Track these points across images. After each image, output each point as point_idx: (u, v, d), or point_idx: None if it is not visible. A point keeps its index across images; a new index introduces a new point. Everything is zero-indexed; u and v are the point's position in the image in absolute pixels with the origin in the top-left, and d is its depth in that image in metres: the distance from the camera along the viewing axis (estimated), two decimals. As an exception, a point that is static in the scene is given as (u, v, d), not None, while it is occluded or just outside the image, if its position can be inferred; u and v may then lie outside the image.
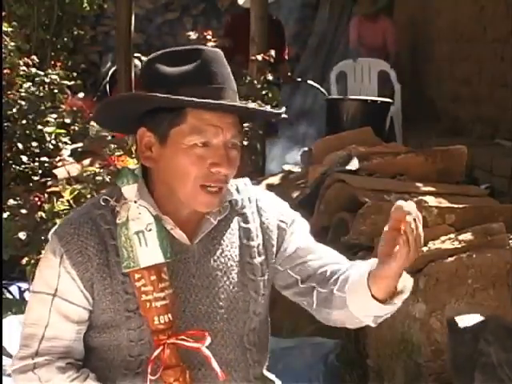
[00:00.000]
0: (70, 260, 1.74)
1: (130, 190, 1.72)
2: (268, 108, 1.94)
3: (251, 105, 1.89)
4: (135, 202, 1.71)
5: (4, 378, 2.81)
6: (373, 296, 1.70)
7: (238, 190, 1.90)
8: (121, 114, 1.79)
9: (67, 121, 6.22)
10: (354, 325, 1.84)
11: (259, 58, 6.03)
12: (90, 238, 1.75)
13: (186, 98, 1.69)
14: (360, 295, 1.72)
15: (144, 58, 7.73)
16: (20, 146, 5.90)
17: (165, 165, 1.76)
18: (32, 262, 4.09)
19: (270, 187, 5.01)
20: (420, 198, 3.71)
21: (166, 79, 1.74)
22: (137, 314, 1.73)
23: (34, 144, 5.93)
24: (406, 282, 1.73)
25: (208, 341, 1.69)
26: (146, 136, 1.77)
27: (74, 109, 6.21)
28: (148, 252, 1.67)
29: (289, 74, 7.36)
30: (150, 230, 1.68)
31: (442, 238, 3.39)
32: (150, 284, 1.67)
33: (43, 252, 1.82)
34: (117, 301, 1.74)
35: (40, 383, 1.76)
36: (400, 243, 1.61)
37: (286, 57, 7.35)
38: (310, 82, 7.61)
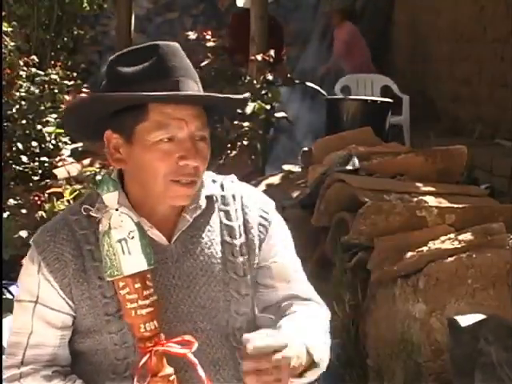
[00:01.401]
0: (48, 267, 1.73)
1: (111, 197, 1.70)
2: (233, 96, 1.87)
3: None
4: (117, 209, 1.69)
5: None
6: None
7: (222, 187, 1.87)
8: (85, 119, 1.77)
9: (67, 121, 6.21)
10: None
11: (259, 58, 6.03)
12: (65, 244, 1.74)
13: (147, 94, 1.68)
14: None
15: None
16: (20, 146, 5.90)
17: (134, 164, 1.74)
18: (32, 261, 4.09)
19: (269, 187, 5.02)
20: (420, 197, 3.71)
21: (124, 79, 1.72)
22: (116, 317, 1.72)
23: (34, 144, 5.94)
24: (324, 355, 1.73)
25: (195, 347, 1.67)
26: (113, 138, 1.76)
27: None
28: (131, 260, 1.65)
29: (288, 75, 7.35)
30: (133, 237, 1.66)
31: (442, 238, 3.39)
32: (134, 292, 1.65)
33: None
34: (95, 305, 1.73)
35: None
36: None
37: (285, 57, 7.34)
38: (308, 83, 7.60)
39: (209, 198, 1.83)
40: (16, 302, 1.81)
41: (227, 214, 1.85)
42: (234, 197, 1.87)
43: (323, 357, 1.74)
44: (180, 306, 1.77)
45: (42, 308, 1.75)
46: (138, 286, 1.66)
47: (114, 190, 1.70)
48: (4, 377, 1.79)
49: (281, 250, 1.90)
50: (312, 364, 1.70)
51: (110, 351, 1.75)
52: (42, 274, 1.74)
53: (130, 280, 1.65)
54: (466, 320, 2.82)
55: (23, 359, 1.76)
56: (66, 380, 1.76)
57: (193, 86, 1.74)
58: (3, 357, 1.82)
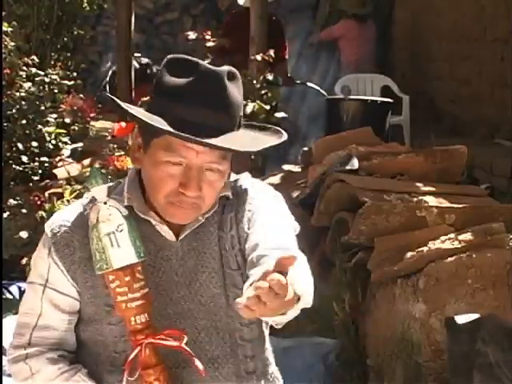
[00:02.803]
0: (57, 252, 1.76)
1: (99, 191, 1.71)
2: (237, 147, 1.75)
3: (246, 138, 1.79)
4: (105, 203, 1.69)
5: (4, 378, 2.81)
6: None
7: (235, 185, 1.86)
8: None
9: (67, 121, 6.22)
10: None
11: (259, 57, 6.02)
12: (75, 231, 1.76)
13: (155, 124, 1.66)
14: None
15: (143, 59, 7.76)
16: (20, 146, 5.89)
17: (144, 171, 1.77)
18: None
19: (270, 187, 5.00)
20: (420, 197, 3.71)
21: (162, 89, 1.73)
22: None
23: (34, 144, 5.93)
24: (306, 288, 1.55)
25: (185, 340, 1.67)
26: (137, 137, 1.79)
27: (74, 108, 6.21)
28: (120, 253, 1.65)
29: (288, 75, 7.34)
30: (122, 230, 1.66)
31: (442, 237, 3.39)
32: (124, 285, 1.66)
33: None
34: (97, 295, 1.75)
35: (31, 373, 1.79)
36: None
37: (287, 57, 7.33)
38: (309, 83, 7.60)
39: (221, 199, 1.83)
40: (27, 283, 1.84)
41: (229, 209, 1.82)
42: (238, 193, 1.85)
43: (305, 290, 1.55)
44: (180, 303, 1.77)
45: (51, 291, 1.78)
46: (127, 278, 1.66)
47: (103, 184, 1.71)
48: (10, 357, 1.82)
49: (263, 209, 1.81)
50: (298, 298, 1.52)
51: (109, 343, 1.77)
52: (51, 258, 1.77)
53: (119, 273, 1.66)
54: (463, 319, 2.82)
55: (30, 340, 1.80)
56: (70, 366, 1.79)
57: (219, 119, 1.69)
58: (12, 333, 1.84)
